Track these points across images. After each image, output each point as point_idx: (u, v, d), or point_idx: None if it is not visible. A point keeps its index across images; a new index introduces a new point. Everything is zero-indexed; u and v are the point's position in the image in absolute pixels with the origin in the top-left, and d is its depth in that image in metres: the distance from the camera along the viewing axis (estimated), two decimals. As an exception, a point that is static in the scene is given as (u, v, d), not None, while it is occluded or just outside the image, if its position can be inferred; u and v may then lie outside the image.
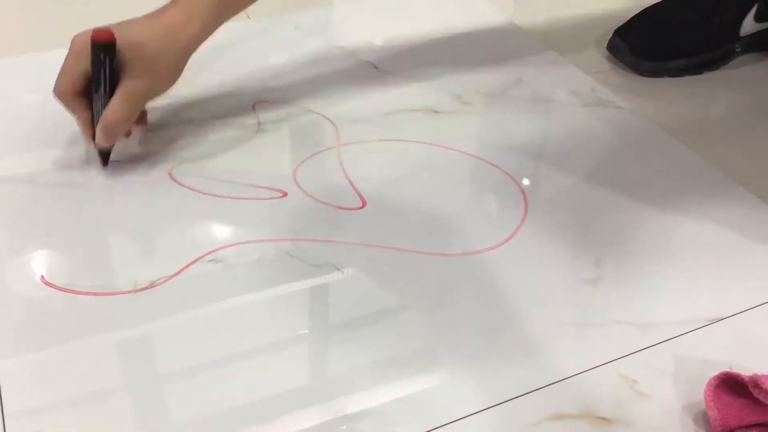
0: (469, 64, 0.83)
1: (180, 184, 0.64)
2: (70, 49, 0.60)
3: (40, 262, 0.57)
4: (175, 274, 0.56)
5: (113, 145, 0.64)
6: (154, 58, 0.60)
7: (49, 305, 0.53)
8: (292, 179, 0.65)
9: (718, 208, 0.64)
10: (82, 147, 0.67)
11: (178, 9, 0.62)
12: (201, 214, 0.62)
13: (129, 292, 0.54)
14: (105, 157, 0.65)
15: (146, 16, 0.62)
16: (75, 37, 0.60)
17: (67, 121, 0.64)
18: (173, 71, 0.63)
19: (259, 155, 0.68)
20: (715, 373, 0.48)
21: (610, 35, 0.85)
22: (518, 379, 0.50)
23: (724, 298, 0.56)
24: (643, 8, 0.86)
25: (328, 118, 0.73)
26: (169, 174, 0.65)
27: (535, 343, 0.52)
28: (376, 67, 0.81)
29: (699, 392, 0.48)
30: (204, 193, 0.63)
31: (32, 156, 0.67)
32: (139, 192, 0.63)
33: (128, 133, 0.66)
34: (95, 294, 0.54)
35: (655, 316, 0.55)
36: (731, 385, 0.47)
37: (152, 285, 0.55)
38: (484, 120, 0.75)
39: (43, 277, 0.55)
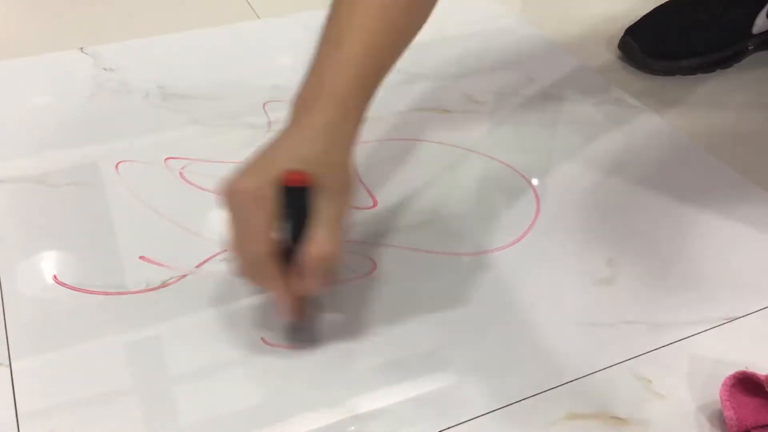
0: (480, 63, 0.83)
1: (191, 183, 0.64)
2: (234, 204, 0.47)
3: (52, 262, 0.57)
4: (187, 274, 0.56)
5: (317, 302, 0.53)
6: (341, 174, 0.49)
7: (61, 305, 0.53)
8: (303, 179, 0.65)
9: (731, 207, 0.64)
10: (92, 147, 0.67)
11: (328, 108, 0.49)
12: (212, 213, 0.62)
13: (141, 291, 0.54)
14: (301, 329, 0.52)
15: (295, 127, 0.49)
16: (232, 188, 0.47)
17: (75, 122, 0.64)
18: (354, 179, 0.50)
19: (270, 155, 0.68)
20: (731, 372, 0.47)
21: (621, 34, 0.84)
22: (532, 378, 0.49)
23: (738, 297, 0.56)
24: (654, 7, 0.86)
25: (338, 118, 0.73)
26: (180, 174, 0.65)
27: (549, 343, 0.52)
28: (386, 67, 0.81)
29: (714, 392, 0.48)
30: (215, 193, 0.63)
31: (43, 156, 0.67)
32: (150, 191, 0.63)
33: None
34: (107, 293, 0.54)
35: (669, 315, 0.54)
36: (747, 384, 0.47)
37: (164, 284, 0.55)
38: (495, 119, 0.74)
39: (55, 276, 0.55)
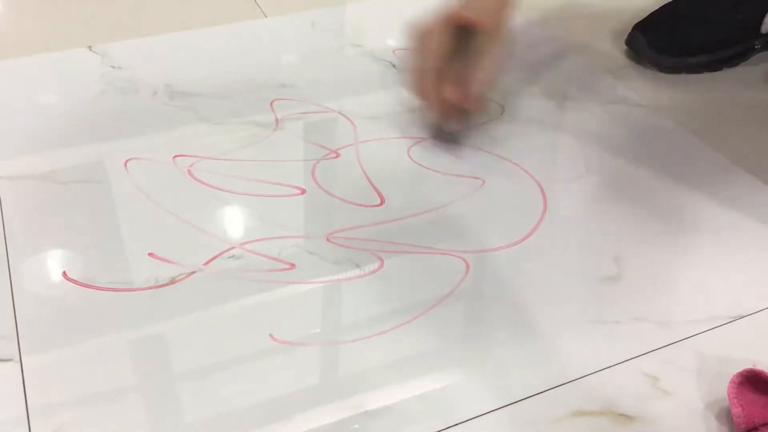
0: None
1: (199, 181, 0.65)
2: (420, 35, 0.65)
3: (61, 259, 0.57)
4: (196, 271, 0.56)
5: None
6: (499, 24, 0.67)
7: (71, 301, 0.54)
8: (311, 176, 0.66)
9: (739, 205, 0.64)
10: (100, 145, 0.68)
11: None
12: (220, 211, 0.62)
13: (150, 288, 0.55)
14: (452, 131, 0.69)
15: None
16: (421, 26, 0.65)
17: (83, 120, 0.64)
18: (503, 27, 0.68)
19: (278, 153, 0.68)
20: (738, 370, 0.47)
21: (629, 30, 0.84)
22: (538, 376, 0.50)
23: (745, 295, 0.56)
24: (662, 3, 0.85)
25: (345, 116, 0.73)
26: (189, 171, 0.65)
27: (555, 341, 0.52)
28: (393, 65, 0.81)
29: (722, 389, 0.48)
30: (223, 190, 0.64)
31: (52, 154, 0.67)
32: (158, 189, 0.64)
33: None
34: (117, 290, 0.54)
35: (676, 313, 0.54)
36: (755, 382, 0.47)
37: (173, 281, 0.55)
38: (501, 117, 0.74)
39: (65, 273, 0.56)
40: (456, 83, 0.65)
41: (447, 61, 0.64)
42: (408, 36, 0.66)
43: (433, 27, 0.65)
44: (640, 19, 0.85)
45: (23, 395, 0.48)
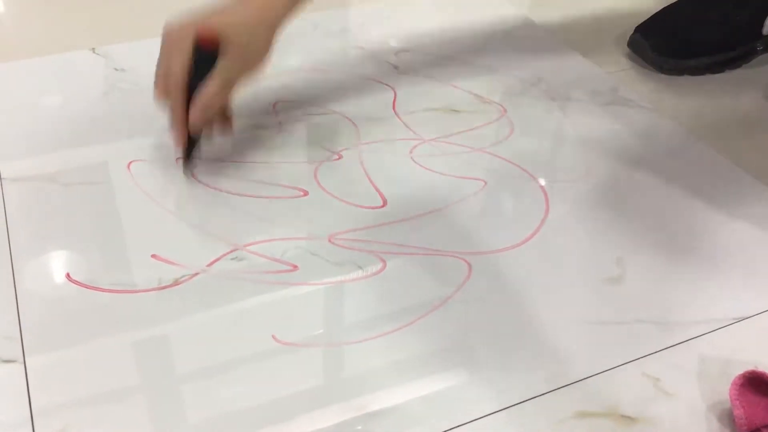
0: (489, 62, 0.83)
1: (202, 183, 0.65)
2: (166, 43, 0.61)
3: (65, 260, 0.58)
4: (199, 273, 0.56)
5: (200, 135, 0.64)
6: (247, 39, 0.61)
7: (74, 303, 0.54)
8: (313, 178, 0.66)
9: (740, 207, 0.64)
10: (104, 146, 0.68)
11: None
12: (223, 212, 0.62)
13: (153, 289, 0.55)
14: (189, 150, 0.64)
15: (231, 2, 0.62)
16: (169, 29, 0.61)
17: (87, 121, 0.64)
18: (264, 49, 0.63)
19: (280, 155, 0.68)
20: (740, 371, 0.47)
21: (630, 33, 0.84)
22: (541, 377, 0.50)
23: (748, 297, 0.56)
24: (664, 5, 0.86)
25: (348, 118, 0.73)
26: (192, 173, 0.66)
27: (558, 342, 0.52)
28: (396, 67, 0.81)
29: (724, 391, 0.48)
30: (226, 192, 0.64)
31: (56, 156, 0.67)
32: (162, 191, 0.64)
33: (221, 129, 0.67)
34: (120, 291, 0.55)
35: (678, 314, 0.54)
36: (756, 384, 0.47)
37: (176, 283, 0.55)
38: (504, 119, 0.74)
39: (68, 274, 0.56)
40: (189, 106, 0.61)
41: (187, 81, 0.60)
42: (161, 38, 0.61)
43: (178, 39, 0.60)
44: (641, 22, 0.85)
45: (27, 396, 0.48)
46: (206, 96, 0.60)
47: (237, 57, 0.61)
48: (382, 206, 0.63)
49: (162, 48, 0.61)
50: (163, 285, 0.55)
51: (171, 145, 0.64)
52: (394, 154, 0.69)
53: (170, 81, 0.60)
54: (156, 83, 0.62)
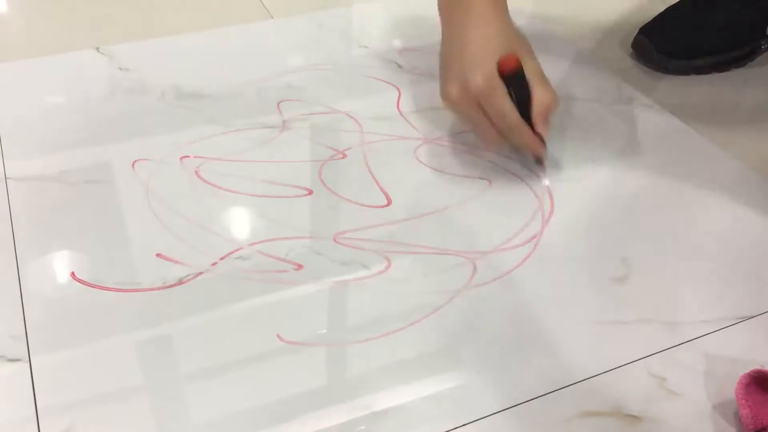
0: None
1: (207, 182, 0.65)
2: (460, 106, 0.63)
3: (70, 260, 0.58)
4: (203, 272, 0.56)
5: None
6: (519, 41, 0.64)
7: (79, 302, 0.54)
8: (318, 177, 0.66)
9: (747, 206, 0.64)
10: (108, 146, 0.68)
11: (484, 4, 0.64)
12: (228, 211, 0.62)
13: (158, 288, 0.55)
14: (541, 158, 0.66)
15: (469, 28, 0.63)
16: (454, 98, 0.63)
17: (91, 121, 0.64)
18: (523, 36, 0.66)
19: (285, 154, 0.68)
20: (746, 371, 0.47)
21: (635, 33, 0.84)
22: (546, 376, 0.50)
23: (753, 296, 0.56)
24: (667, 6, 0.85)
25: (352, 117, 0.73)
26: (196, 172, 0.66)
27: (563, 341, 0.52)
28: (400, 66, 0.81)
29: (729, 390, 0.48)
30: (230, 191, 0.64)
31: (61, 155, 0.67)
32: (166, 190, 0.64)
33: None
34: (125, 291, 0.55)
35: (683, 314, 0.54)
36: (762, 383, 0.47)
37: (180, 282, 0.55)
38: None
39: (73, 273, 0.56)
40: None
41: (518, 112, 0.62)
42: (451, 107, 0.64)
43: (488, 85, 0.60)
44: (646, 23, 0.84)
45: (32, 395, 0.48)
46: (544, 104, 0.62)
47: (532, 53, 0.64)
48: (387, 205, 0.63)
49: (460, 114, 0.64)
50: (168, 284, 0.55)
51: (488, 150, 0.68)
52: (398, 153, 0.69)
53: (504, 123, 0.61)
54: (485, 139, 0.64)
